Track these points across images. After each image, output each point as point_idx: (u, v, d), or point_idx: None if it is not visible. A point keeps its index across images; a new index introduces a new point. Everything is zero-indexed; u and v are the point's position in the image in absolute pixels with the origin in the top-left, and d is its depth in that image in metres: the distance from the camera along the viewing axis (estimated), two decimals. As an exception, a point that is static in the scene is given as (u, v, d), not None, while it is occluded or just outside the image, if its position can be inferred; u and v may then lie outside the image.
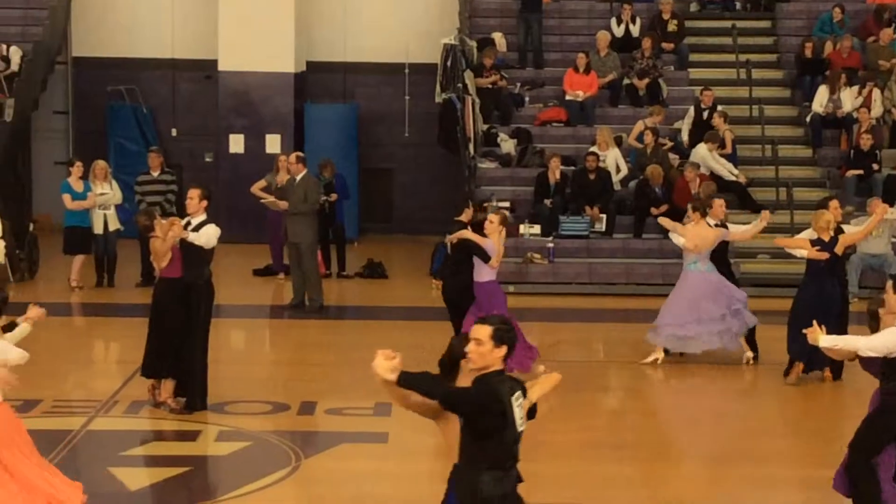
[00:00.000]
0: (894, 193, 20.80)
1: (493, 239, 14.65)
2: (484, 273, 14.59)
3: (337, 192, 20.89)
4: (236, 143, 24.79)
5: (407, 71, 25.47)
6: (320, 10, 25.73)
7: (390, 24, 25.67)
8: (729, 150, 21.94)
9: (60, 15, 24.85)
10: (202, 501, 10.99)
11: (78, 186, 19.87)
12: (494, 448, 7.17)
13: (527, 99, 23.86)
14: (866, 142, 21.67)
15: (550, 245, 20.68)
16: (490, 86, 23.16)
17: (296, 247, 18.54)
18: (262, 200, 19.98)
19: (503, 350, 7.12)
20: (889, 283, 9.72)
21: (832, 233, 14.75)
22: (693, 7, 25.59)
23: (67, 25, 25.24)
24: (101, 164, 20.30)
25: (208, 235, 13.04)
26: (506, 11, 24.92)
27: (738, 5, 25.57)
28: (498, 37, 24.33)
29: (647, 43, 23.61)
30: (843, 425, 11.82)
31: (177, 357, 13.13)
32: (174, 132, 25.83)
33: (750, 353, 15.74)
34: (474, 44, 23.92)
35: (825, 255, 14.64)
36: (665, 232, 20.87)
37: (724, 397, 14.95)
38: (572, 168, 21.88)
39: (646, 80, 23.47)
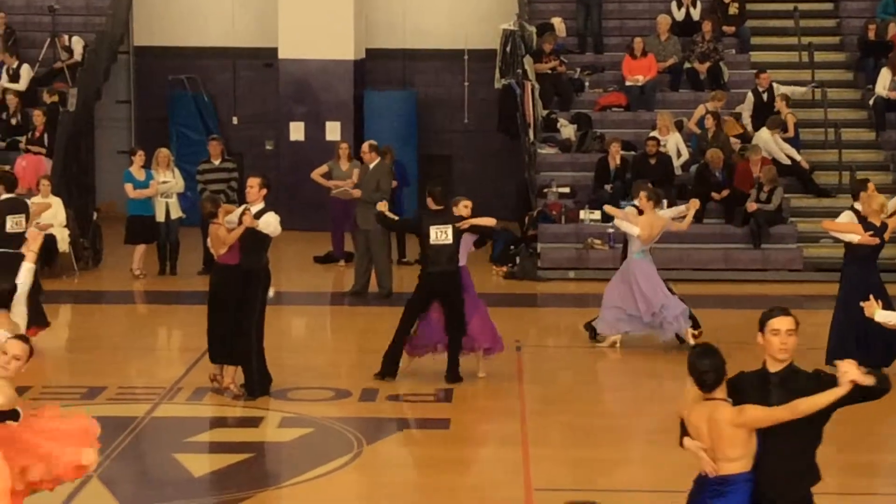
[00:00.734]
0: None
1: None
2: (464, 258, 14.47)
3: (396, 179, 20.91)
4: (296, 131, 24.86)
5: (466, 57, 25.43)
6: (379, -4, 25.79)
7: (449, 10, 25.65)
8: (791, 133, 21.77)
9: (123, 5, 25.03)
10: (265, 487, 11.06)
11: (140, 175, 20.01)
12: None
13: (586, 84, 23.76)
14: (931, 124, 21.42)
15: (611, 230, 20.57)
16: (550, 71, 23.09)
17: (365, 234, 18.62)
18: (335, 192, 19.96)
19: None
20: None
21: (883, 217, 14.29)
22: (754, -10, 25.39)
23: (129, 15, 25.41)
24: (164, 153, 20.44)
25: (274, 224, 13.18)
26: (565, -4, 24.85)
27: (800, -13, 25.33)
28: (557, 22, 24.24)
29: (707, 26, 23.43)
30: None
31: (233, 343, 13.24)
32: (235, 120, 25.95)
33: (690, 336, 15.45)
34: (534, 29, 23.84)
35: (876, 241, 14.19)
36: (727, 216, 20.88)
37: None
38: (632, 153, 21.78)
39: (707, 64, 23.31)
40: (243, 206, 13.36)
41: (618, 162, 21.26)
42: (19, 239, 14.83)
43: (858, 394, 6.97)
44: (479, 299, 14.47)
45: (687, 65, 23.52)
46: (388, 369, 14.02)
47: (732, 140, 21.84)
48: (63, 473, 8.35)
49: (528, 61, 22.69)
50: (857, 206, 14.66)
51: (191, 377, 14.14)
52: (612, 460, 11.69)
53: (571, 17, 24.50)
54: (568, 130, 22.63)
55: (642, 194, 15.82)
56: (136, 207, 20.03)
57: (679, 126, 22.12)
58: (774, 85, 22.49)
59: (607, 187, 21.17)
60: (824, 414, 7.07)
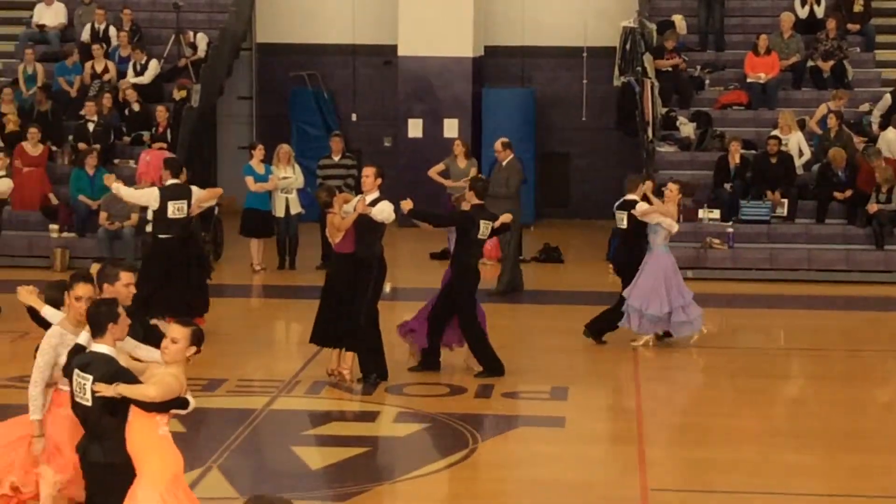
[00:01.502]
0: None
1: None
2: None
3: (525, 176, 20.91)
4: (415, 128, 24.98)
5: (585, 54, 25.35)
6: (499, -6, 25.79)
7: (569, 7, 25.58)
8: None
9: (246, 2, 25.37)
10: (380, 482, 11.14)
11: (259, 169, 20.26)
12: None
13: (707, 82, 23.55)
14: None
15: (730, 230, 20.39)
16: (670, 69, 22.92)
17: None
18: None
19: None
20: None
21: None
22: (880, -14, 24.95)
23: (252, 12, 25.74)
24: (285, 148, 20.67)
25: (388, 211, 13.33)
26: (686, -7, 24.65)
27: (927, -16, 24.85)
28: (678, 19, 24.05)
29: (831, 24, 23.08)
30: None
31: (342, 328, 13.44)
32: (354, 117, 26.15)
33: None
34: (654, 26, 23.67)
35: None
36: (850, 217, 20.55)
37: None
38: (753, 152, 21.54)
39: (830, 63, 22.95)
40: (359, 196, 13.54)
41: (738, 161, 21.04)
42: (180, 225, 15.15)
43: None
44: None
45: (810, 63, 23.19)
46: (494, 366, 14.05)
47: (856, 139, 21.49)
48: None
49: (647, 59, 22.54)
50: None
51: (309, 371, 14.28)
52: (728, 461, 11.57)
53: (692, 15, 24.29)
54: (687, 128, 22.45)
55: (674, 187, 15.63)
56: (252, 201, 20.28)
57: (801, 125, 21.82)
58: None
59: (727, 186, 20.96)
60: None
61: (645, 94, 21.85)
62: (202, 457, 11.27)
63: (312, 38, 25.84)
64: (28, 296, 8.87)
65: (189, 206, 15.22)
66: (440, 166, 20.63)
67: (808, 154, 21.42)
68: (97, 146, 21.04)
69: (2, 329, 15.45)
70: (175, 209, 15.13)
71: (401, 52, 24.86)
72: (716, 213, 20.72)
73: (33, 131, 20.98)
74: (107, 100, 21.99)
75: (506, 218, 14.70)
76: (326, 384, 13.73)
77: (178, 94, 22.19)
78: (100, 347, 7.91)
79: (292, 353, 15.93)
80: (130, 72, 22.94)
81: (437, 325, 14.15)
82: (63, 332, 8.44)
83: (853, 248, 20.32)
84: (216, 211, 20.78)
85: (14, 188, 20.91)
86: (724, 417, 13.08)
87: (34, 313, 8.82)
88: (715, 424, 12.77)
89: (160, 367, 7.89)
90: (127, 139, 22.15)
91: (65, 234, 20.58)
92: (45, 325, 8.68)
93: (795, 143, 21.41)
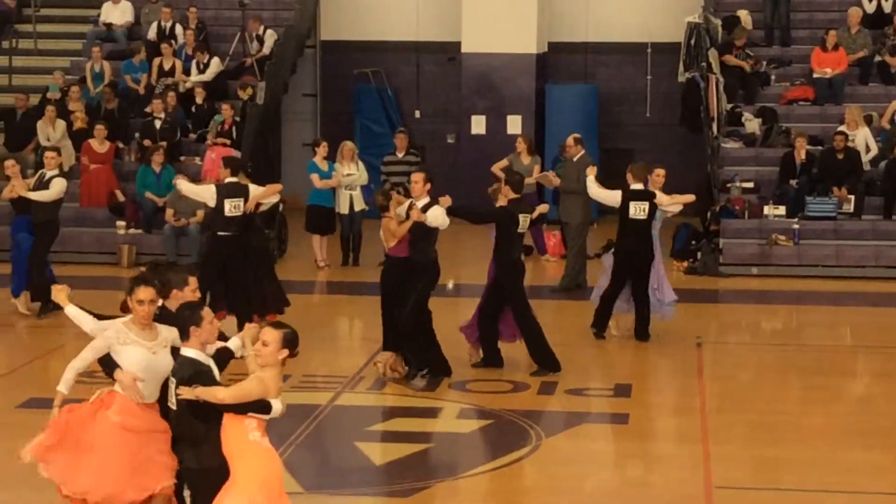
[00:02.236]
0: None
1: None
2: None
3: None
4: (478, 125, 24.99)
5: (649, 50, 25.24)
6: (562, -10, 25.74)
7: (633, 3, 25.49)
8: None
9: (310, 0, 25.49)
10: (443, 478, 11.15)
11: (323, 166, 20.34)
12: None
13: (772, 77, 23.38)
14: None
15: (796, 226, 20.23)
16: (739, 65, 22.77)
17: (566, 226, 18.78)
18: (535, 177, 19.91)
19: None
20: None
21: None
22: (950, -20, 24.65)
23: (317, 10, 25.86)
24: (349, 145, 20.74)
25: (442, 217, 13.42)
26: (752, -12, 24.48)
27: None
28: (744, 14, 23.89)
29: (899, 18, 22.86)
30: None
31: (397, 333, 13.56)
32: (417, 114, 26.20)
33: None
34: (719, 21, 23.55)
35: None
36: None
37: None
38: (819, 148, 21.35)
39: (898, 57, 22.74)
40: (409, 201, 13.57)
41: (803, 157, 20.88)
42: (238, 222, 15.27)
43: None
44: None
45: (877, 58, 22.96)
46: (549, 362, 14.03)
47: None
48: None
49: (712, 54, 22.41)
50: None
51: (372, 367, 14.32)
52: (793, 459, 11.49)
53: (758, 10, 24.13)
54: (752, 124, 22.30)
55: (662, 172, 15.96)
56: (316, 198, 20.37)
57: (868, 120, 21.60)
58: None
59: (793, 182, 20.80)
60: None
61: (710, 89, 21.74)
62: (267, 452, 11.35)
63: (376, 36, 25.92)
64: (57, 294, 8.97)
65: (245, 203, 15.31)
66: (503, 162, 20.60)
67: (874, 150, 21.21)
68: (163, 143, 21.23)
69: (66, 323, 15.58)
70: (232, 207, 15.23)
71: (464, 49, 24.88)
72: (781, 210, 20.58)
73: (100, 129, 21.20)
74: (171, 97, 22.18)
75: (542, 208, 14.83)
76: (390, 380, 13.78)
77: (242, 94, 22.33)
78: (187, 351, 7.97)
79: (356, 349, 16.00)
80: (194, 70, 23.12)
81: (488, 322, 14.15)
82: (125, 330, 8.45)
83: (921, 245, 20.14)
84: (280, 208, 20.91)
85: (81, 185, 21.23)
86: (789, 415, 12.99)
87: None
88: (780, 422, 12.69)
89: (256, 372, 7.84)
90: (193, 136, 22.33)
91: (131, 231, 20.78)
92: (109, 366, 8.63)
93: (862, 138, 21.21)
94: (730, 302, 18.95)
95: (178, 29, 23.90)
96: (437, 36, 25.79)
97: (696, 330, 16.25)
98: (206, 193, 15.55)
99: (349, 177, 20.37)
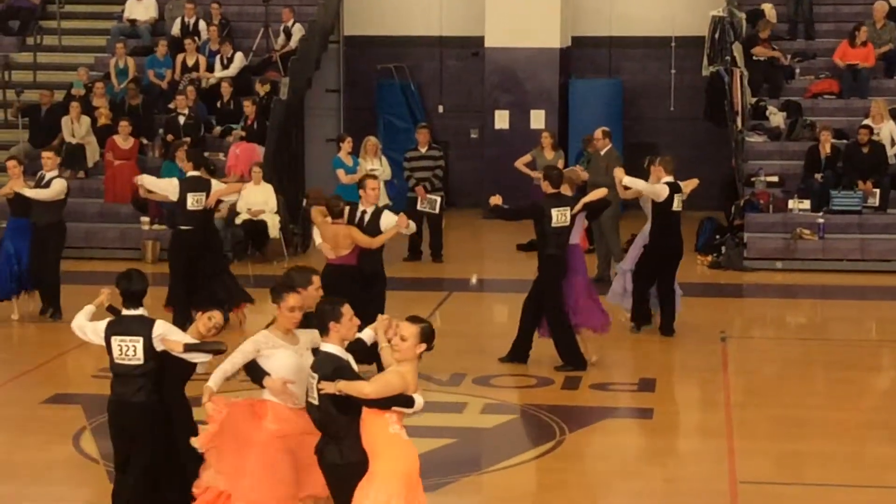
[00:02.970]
0: None
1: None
2: (577, 237, 14.66)
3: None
4: (501, 120, 24.97)
5: (673, 44, 25.18)
6: (586, -16, 25.70)
7: (657, -4, 25.45)
8: None
9: (334, -5, 25.52)
10: (467, 473, 11.15)
11: (348, 161, 20.35)
12: None
13: (797, 71, 23.29)
14: None
15: (821, 220, 20.16)
16: (762, 58, 22.68)
17: (598, 222, 18.69)
18: (564, 171, 19.84)
19: None
20: None
21: None
22: (976, -28, 24.51)
23: (340, 5, 25.86)
24: (372, 141, 20.74)
25: (393, 222, 13.35)
26: (776, -19, 24.39)
27: None
28: (768, 8, 23.81)
29: (925, 11, 22.76)
30: None
31: None
32: (441, 109, 26.20)
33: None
34: (743, 15, 23.47)
35: None
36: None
37: None
38: (844, 141, 21.27)
39: (924, 50, 22.64)
40: (361, 210, 13.47)
41: (828, 150, 20.79)
42: (199, 217, 15.34)
43: None
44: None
45: (903, 51, 22.88)
46: (575, 360, 14.00)
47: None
48: None
49: (737, 48, 22.35)
50: None
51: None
52: (819, 454, 11.45)
53: (782, 3, 24.04)
54: (777, 118, 22.23)
55: (666, 160, 15.79)
56: (340, 193, 20.33)
57: (894, 114, 21.51)
58: None
59: (817, 176, 20.73)
60: None
61: (734, 83, 21.67)
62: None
63: (399, 31, 25.93)
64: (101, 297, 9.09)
65: (207, 197, 15.39)
66: (527, 157, 20.60)
67: (900, 143, 21.14)
68: (187, 139, 21.28)
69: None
70: (194, 201, 15.33)
71: (488, 44, 24.86)
72: (806, 204, 20.51)
73: (124, 125, 21.26)
74: (190, 91, 22.19)
75: (598, 194, 14.39)
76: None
77: (261, 89, 22.37)
78: (327, 347, 7.90)
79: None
80: (218, 65, 23.16)
81: (528, 317, 14.10)
82: (273, 336, 8.42)
83: (947, 239, 20.05)
84: (304, 203, 20.90)
85: (105, 181, 21.31)
86: (814, 409, 12.95)
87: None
88: (805, 417, 12.65)
89: (394, 366, 7.79)
90: (217, 132, 22.37)
91: (155, 227, 20.83)
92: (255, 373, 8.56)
93: (887, 132, 21.12)
94: (754, 296, 18.90)
95: (202, 25, 23.95)
96: (460, 31, 25.78)
97: (721, 324, 16.21)
98: (168, 187, 15.61)
99: (373, 172, 20.33)
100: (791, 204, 20.61)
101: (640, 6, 25.51)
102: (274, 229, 20.33)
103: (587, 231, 20.93)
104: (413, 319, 7.87)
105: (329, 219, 13.46)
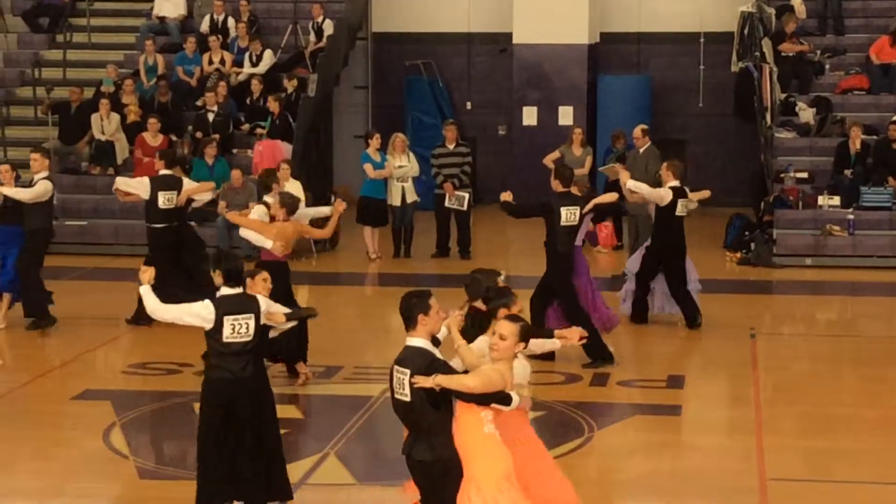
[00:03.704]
0: None
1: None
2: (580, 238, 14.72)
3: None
4: (529, 116, 24.94)
5: (702, 40, 25.10)
6: (614, -20, 25.64)
7: (685, -8, 25.38)
8: None
9: (362, -8, 25.53)
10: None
11: (376, 158, 20.36)
12: None
13: (827, 66, 23.19)
14: None
15: (851, 217, 20.07)
16: (791, 53, 22.59)
17: (635, 218, 18.69)
18: (602, 168, 19.84)
19: None
20: None
21: None
22: None
23: (368, 2, 25.88)
24: (400, 137, 20.75)
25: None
26: (805, -23, 24.29)
27: None
28: (797, 3, 23.70)
29: (956, 6, 22.62)
30: None
31: None
32: (469, 105, 26.19)
33: None
34: (772, 11, 23.38)
35: None
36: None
37: None
38: (874, 137, 21.17)
39: (955, 46, 22.49)
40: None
41: (858, 146, 20.71)
42: (171, 214, 15.51)
43: None
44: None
45: (934, 46, 22.74)
46: (601, 354, 13.97)
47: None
48: None
49: (766, 43, 22.26)
50: None
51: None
52: (849, 451, 11.41)
53: (811, -1, 23.96)
54: (806, 114, 22.14)
55: (674, 164, 15.76)
56: (368, 189, 20.39)
57: (924, 109, 21.42)
58: None
59: (847, 172, 20.63)
60: None
61: (763, 79, 21.59)
62: (320, 443, 11.41)
63: (427, 27, 25.92)
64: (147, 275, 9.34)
65: (178, 195, 15.55)
66: (555, 154, 20.57)
67: (931, 139, 21.00)
68: (216, 136, 21.33)
69: (120, 316, 15.69)
70: (165, 199, 15.52)
71: (516, 40, 24.83)
72: (836, 200, 20.42)
73: (153, 122, 21.32)
74: (222, 88, 22.25)
75: (608, 197, 14.58)
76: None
77: (289, 85, 22.39)
78: (414, 341, 7.70)
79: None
80: (247, 62, 23.21)
81: (535, 315, 14.08)
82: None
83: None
84: (332, 200, 20.94)
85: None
86: (844, 406, 12.90)
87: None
88: (835, 413, 12.60)
89: (488, 364, 7.68)
90: (246, 128, 22.41)
91: (184, 223, 20.85)
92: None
93: (918, 127, 21.00)
94: (784, 293, 18.83)
95: (231, 22, 24.00)
96: (488, 27, 25.77)
97: (750, 321, 16.16)
98: (139, 186, 15.77)
99: (401, 168, 20.38)
100: (821, 200, 20.52)
101: (668, 2, 25.45)
102: (302, 226, 20.33)
103: (615, 228, 20.96)
104: (512, 318, 7.79)
105: (266, 219, 13.51)
